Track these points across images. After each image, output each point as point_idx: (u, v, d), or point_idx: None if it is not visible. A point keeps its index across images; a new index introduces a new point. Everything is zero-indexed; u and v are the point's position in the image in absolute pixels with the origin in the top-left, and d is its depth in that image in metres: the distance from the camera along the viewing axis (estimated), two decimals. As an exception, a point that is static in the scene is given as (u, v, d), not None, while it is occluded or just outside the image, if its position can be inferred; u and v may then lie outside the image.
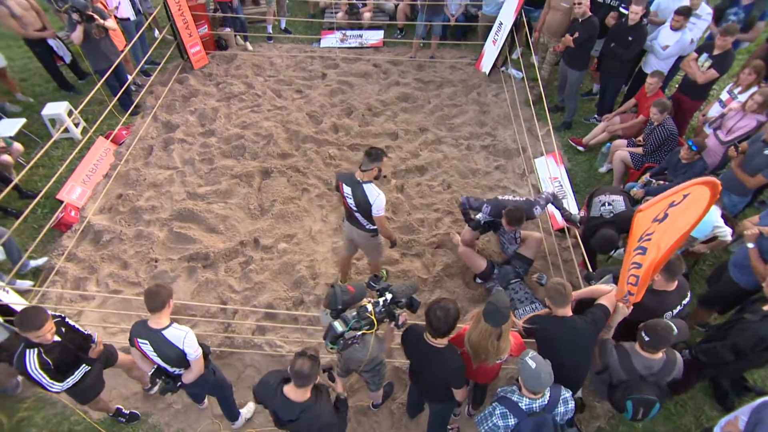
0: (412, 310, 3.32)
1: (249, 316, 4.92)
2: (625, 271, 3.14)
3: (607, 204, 4.55)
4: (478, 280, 5.06)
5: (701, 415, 4.33)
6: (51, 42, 7.09)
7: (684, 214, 2.68)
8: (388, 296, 3.19)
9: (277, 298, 5.00)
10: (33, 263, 5.41)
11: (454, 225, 5.72)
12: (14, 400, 4.42)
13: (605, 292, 3.45)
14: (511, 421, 2.89)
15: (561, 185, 5.92)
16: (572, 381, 3.26)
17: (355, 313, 3.06)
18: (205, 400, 4.32)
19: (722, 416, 4.05)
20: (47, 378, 3.30)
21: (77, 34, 6.24)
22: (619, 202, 4.55)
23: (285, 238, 5.59)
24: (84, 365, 3.56)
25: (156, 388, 3.54)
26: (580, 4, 6.11)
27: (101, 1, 6.65)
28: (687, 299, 3.57)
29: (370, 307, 3.10)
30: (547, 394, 2.94)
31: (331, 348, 3.07)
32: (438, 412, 3.70)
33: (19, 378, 4.43)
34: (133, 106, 7.14)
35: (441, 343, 3.06)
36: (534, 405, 2.91)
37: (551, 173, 6.03)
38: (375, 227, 4.24)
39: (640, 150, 5.77)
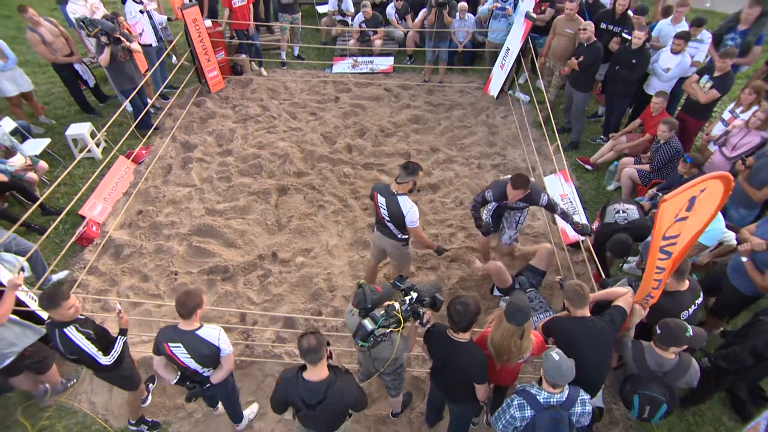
0: (435, 309, 3.44)
1: (268, 326, 5.03)
2: (651, 273, 3.26)
3: (621, 212, 4.73)
4: (496, 293, 5.17)
5: (720, 426, 4.38)
6: (77, 66, 7.44)
7: (700, 211, 2.84)
8: (414, 295, 3.31)
9: (295, 310, 5.12)
10: (55, 277, 5.55)
11: (468, 240, 5.88)
12: (37, 408, 4.49)
13: (621, 294, 3.58)
14: (528, 413, 2.97)
15: (571, 202, 6.10)
16: (592, 381, 3.35)
17: (383, 311, 3.17)
18: (219, 406, 4.39)
19: (741, 427, 4.13)
20: (95, 348, 3.46)
21: (104, 56, 6.56)
22: (633, 211, 4.73)
23: (302, 252, 5.74)
24: (119, 336, 3.69)
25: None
26: (585, 30, 6.44)
27: (127, 26, 7.03)
28: (700, 299, 3.70)
29: (397, 305, 3.22)
30: (566, 391, 3.01)
31: (362, 345, 3.17)
32: (459, 415, 3.76)
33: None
34: (152, 129, 7.42)
35: (463, 337, 3.19)
36: (552, 399, 2.98)
37: (561, 190, 6.24)
38: (406, 237, 4.46)
39: (647, 167, 5.98)
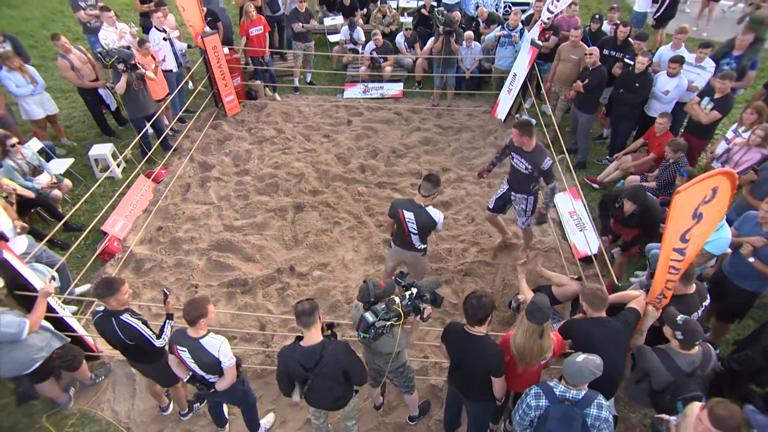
0: (435, 305, 3.64)
1: (287, 336, 5.17)
2: (664, 271, 3.43)
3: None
4: (513, 304, 5.33)
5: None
6: (101, 91, 7.82)
7: (711, 212, 3.04)
8: (414, 291, 3.50)
9: (313, 321, 5.27)
10: (78, 290, 5.75)
11: (480, 254, 6.09)
12: (61, 416, 4.61)
13: (634, 296, 3.77)
14: (542, 402, 3.10)
15: (580, 218, 6.32)
16: (609, 381, 3.48)
17: (384, 306, 3.35)
18: (227, 427, 4.48)
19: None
20: (150, 332, 3.71)
21: (121, 84, 6.88)
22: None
23: (319, 267, 5.94)
24: (167, 321, 3.91)
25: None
26: (591, 54, 6.80)
27: (151, 53, 7.43)
28: (707, 301, 3.88)
29: (397, 300, 3.40)
30: (584, 391, 3.13)
31: (363, 337, 3.36)
32: (477, 415, 3.88)
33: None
34: (171, 151, 7.73)
35: (480, 330, 3.37)
36: (568, 394, 3.09)
37: (571, 207, 6.47)
38: (425, 246, 4.75)
39: (653, 184, 6.22)
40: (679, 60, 6.51)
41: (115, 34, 7.73)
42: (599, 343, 3.50)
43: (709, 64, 6.78)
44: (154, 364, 3.95)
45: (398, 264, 5.05)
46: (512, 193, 5.54)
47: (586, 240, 5.89)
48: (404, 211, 4.54)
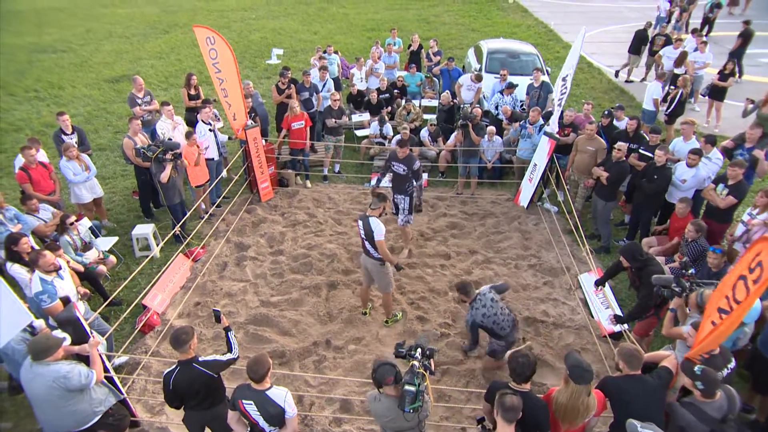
0: (432, 357, 4.02)
1: (325, 408, 5.51)
2: (718, 332, 3.88)
3: None
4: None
5: None
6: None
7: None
8: (418, 351, 3.93)
9: (351, 392, 5.64)
10: (117, 361, 6.20)
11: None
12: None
13: (666, 356, 4.21)
14: None
15: (604, 296, 6.81)
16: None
17: (409, 374, 3.75)
18: None
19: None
20: (224, 354, 4.36)
21: (165, 173, 7.82)
22: None
23: (354, 341, 6.39)
24: (228, 333, 4.59)
25: None
26: (619, 150, 7.70)
27: (196, 143, 8.53)
28: (732, 363, 4.26)
29: (416, 363, 3.82)
30: None
31: (414, 409, 3.65)
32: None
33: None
34: (208, 236, 8.53)
35: (525, 387, 3.79)
36: None
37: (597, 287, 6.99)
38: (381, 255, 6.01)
39: (677, 264, 6.79)
40: (697, 152, 7.40)
41: (170, 125, 8.94)
42: (635, 400, 3.89)
43: (715, 155, 7.68)
44: (216, 408, 4.36)
45: (366, 272, 6.41)
46: (395, 195, 7.71)
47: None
48: (358, 221, 6.12)
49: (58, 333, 4.67)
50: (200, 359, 4.22)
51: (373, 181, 8.25)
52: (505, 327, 5.48)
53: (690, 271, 5.38)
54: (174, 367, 4.21)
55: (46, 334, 4.54)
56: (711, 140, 7.72)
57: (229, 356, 4.37)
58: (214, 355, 4.36)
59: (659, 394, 3.96)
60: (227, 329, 4.60)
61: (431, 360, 3.96)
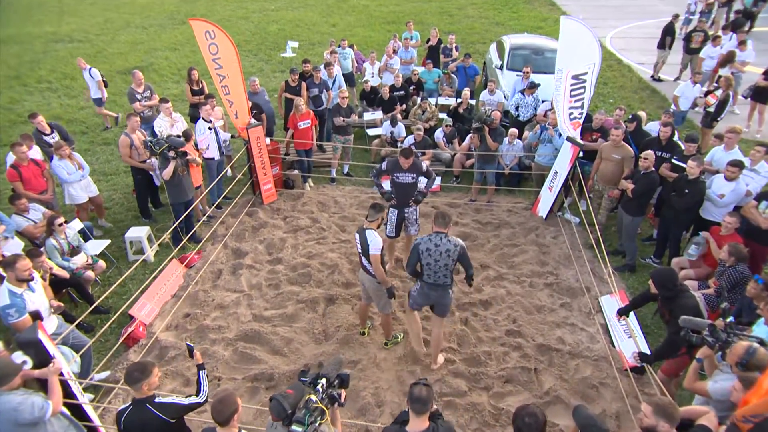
0: (344, 386, 3.59)
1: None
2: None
3: None
4: None
5: None
6: (151, 173, 8.48)
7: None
8: (323, 381, 3.48)
9: (342, 425, 5.15)
10: (97, 377, 5.84)
11: (523, 360, 5.95)
12: None
13: (704, 412, 3.63)
14: None
15: (626, 324, 6.17)
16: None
17: (303, 410, 3.27)
18: None
19: None
20: (188, 396, 3.94)
21: (168, 170, 7.45)
22: None
23: (349, 364, 5.90)
24: (200, 372, 4.17)
25: None
26: (646, 159, 7.00)
27: (194, 143, 8.12)
28: None
29: (314, 397, 3.35)
30: None
31: None
32: None
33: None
34: (204, 240, 8.14)
35: None
36: None
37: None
38: None
39: (711, 290, 6.11)
40: (738, 165, 6.62)
41: (168, 122, 8.54)
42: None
43: (764, 167, 6.89)
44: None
45: (364, 290, 5.94)
46: (405, 210, 7.05)
47: (637, 348, 5.70)
48: (356, 234, 5.65)
49: (19, 356, 4.29)
50: (156, 400, 3.75)
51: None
52: (432, 275, 5.35)
53: (723, 305, 4.71)
54: (128, 405, 3.77)
55: (3, 359, 4.16)
56: (763, 145, 6.92)
57: (192, 399, 3.90)
58: (173, 396, 3.89)
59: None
60: (200, 367, 4.14)
61: (341, 389, 3.57)
